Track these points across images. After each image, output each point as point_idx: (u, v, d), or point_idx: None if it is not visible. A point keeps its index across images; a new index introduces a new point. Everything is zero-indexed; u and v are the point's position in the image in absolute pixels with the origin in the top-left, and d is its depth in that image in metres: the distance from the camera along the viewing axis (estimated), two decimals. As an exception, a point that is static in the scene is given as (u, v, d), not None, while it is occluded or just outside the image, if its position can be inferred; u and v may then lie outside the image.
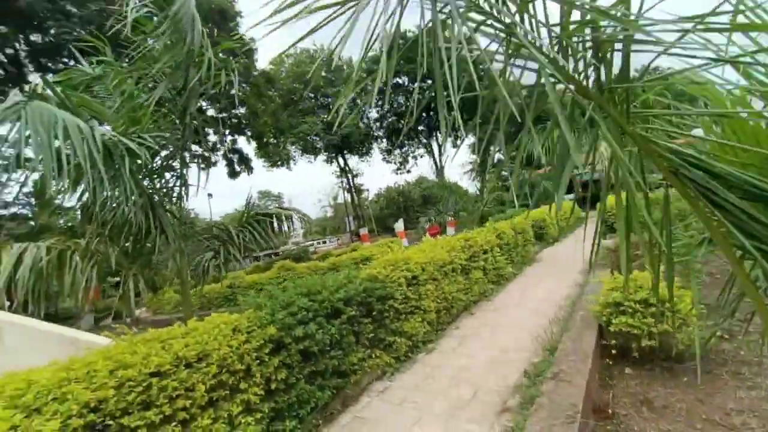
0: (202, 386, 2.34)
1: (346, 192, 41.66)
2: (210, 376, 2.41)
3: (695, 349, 3.52)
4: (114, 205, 3.49)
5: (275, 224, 4.54)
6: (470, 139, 46.31)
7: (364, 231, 33.93)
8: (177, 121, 4.04)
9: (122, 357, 2.18)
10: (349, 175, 39.28)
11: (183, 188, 4.10)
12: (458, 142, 45.68)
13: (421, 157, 45.48)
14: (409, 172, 46.54)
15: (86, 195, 3.49)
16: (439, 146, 41.67)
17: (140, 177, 3.85)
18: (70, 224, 12.85)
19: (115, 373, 2.07)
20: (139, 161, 3.68)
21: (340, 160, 38.24)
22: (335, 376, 3.29)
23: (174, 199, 4.05)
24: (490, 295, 6.86)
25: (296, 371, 2.91)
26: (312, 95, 33.23)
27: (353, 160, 50.97)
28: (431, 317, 4.92)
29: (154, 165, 4.03)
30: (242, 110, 21.87)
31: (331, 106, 34.03)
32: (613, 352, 3.64)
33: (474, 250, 6.67)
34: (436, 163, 42.11)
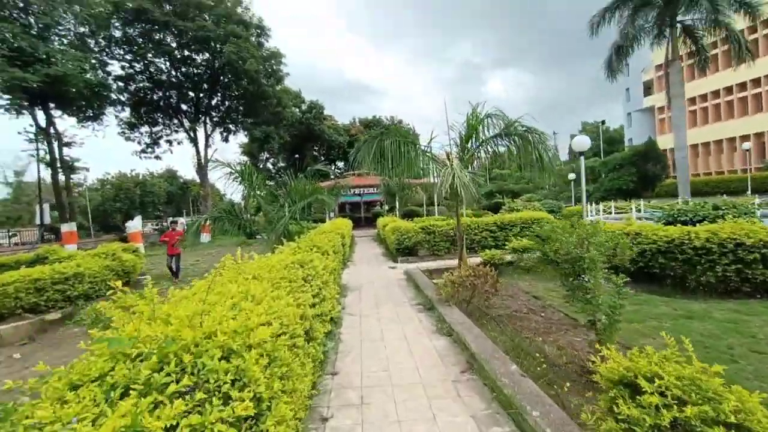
0: None
1: (45, 165, 27.61)
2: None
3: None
4: None
5: None
6: (242, 137, 41.71)
7: (68, 227, 23.00)
8: None
9: None
10: (56, 142, 26.13)
11: None
12: (230, 136, 40.17)
13: (179, 143, 36.70)
14: (158, 158, 36.53)
15: None
16: (207, 136, 34.79)
17: None
18: None
19: None
20: None
21: (40, 114, 24.89)
22: None
23: None
24: (331, 359, 4.20)
25: None
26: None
27: (67, 123, 35.85)
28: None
29: None
30: None
31: (30, 22, 21.53)
32: None
33: (315, 285, 3.89)
34: (199, 155, 34.74)
